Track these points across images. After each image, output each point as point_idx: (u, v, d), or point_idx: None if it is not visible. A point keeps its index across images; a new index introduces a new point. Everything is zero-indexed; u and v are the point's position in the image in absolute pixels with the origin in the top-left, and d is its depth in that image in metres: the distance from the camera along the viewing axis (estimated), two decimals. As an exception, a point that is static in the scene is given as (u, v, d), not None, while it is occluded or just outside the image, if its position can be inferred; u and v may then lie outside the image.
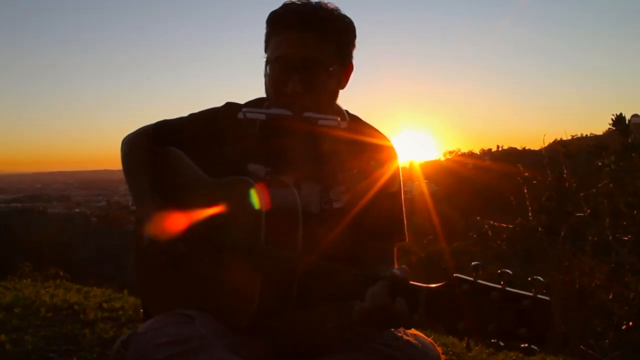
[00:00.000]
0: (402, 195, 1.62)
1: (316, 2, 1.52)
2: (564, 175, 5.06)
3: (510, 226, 4.74)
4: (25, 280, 5.21)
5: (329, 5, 1.52)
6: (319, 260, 1.33)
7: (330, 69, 1.48)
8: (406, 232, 1.61)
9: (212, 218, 1.51)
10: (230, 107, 1.67)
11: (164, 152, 1.72)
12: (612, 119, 4.47)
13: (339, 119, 1.49)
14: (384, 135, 1.65)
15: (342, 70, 1.55)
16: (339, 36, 1.51)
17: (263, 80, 1.56)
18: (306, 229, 1.43)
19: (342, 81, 1.57)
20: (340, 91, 1.61)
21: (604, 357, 4.83)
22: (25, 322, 3.03)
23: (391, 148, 1.63)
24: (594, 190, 4.48)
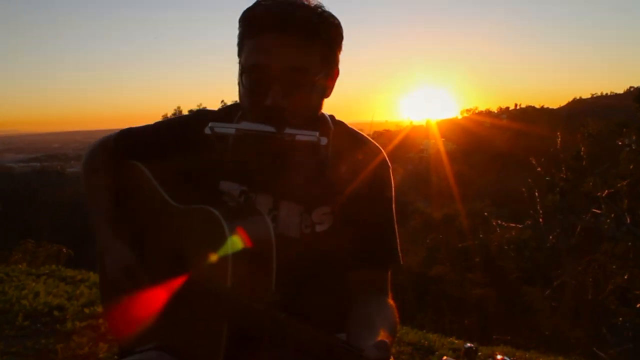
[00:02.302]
0: (394, 210, 1.44)
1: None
2: (581, 154, 4.77)
3: (520, 226, 4.51)
4: (20, 266, 5.07)
5: (314, 2, 1.31)
6: (285, 319, 1.16)
7: (316, 77, 1.29)
8: (400, 254, 1.43)
9: (175, 254, 1.38)
10: (201, 116, 1.49)
11: (126, 168, 1.56)
12: (632, 89, 4.15)
13: (317, 134, 1.29)
14: (372, 144, 1.46)
15: (328, 77, 1.36)
16: (325, 40, 1.31)
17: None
18: (286, 256, 1.29)
19: (328, 89, 1.38)
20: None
21: (617, 347, 4.66)
22: (-1, 334, 2.88)
23: (381, 158, 1.44)
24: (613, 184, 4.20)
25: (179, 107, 34.61)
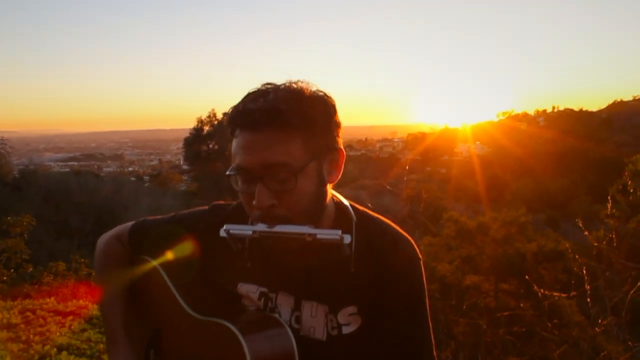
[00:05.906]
0: (427, 307, 1.32)
1: (280, 86, 1.24)
2: (628, 188, 4.49)
3: (565, 295, 4.30)
4: (48, 300, 5.05)
5: (293, 86, 1.23)
6: None
7: (303, 167, 1.22)
8: (435, 356, 1.32)
9: None
10: (216, 212, 1.45)
11: (140, 265, 1.53)
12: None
13: (339, 232, 1.20)
14: (400, 235, 1.35)
15: (322, 163, 1.27)
16: (304, 127, 1.22)
17: None
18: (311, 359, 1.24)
19: (329, 174, 1.29)
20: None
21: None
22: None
23: (410, 251, 1.33)
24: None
25: (213, 110, 34.97)
